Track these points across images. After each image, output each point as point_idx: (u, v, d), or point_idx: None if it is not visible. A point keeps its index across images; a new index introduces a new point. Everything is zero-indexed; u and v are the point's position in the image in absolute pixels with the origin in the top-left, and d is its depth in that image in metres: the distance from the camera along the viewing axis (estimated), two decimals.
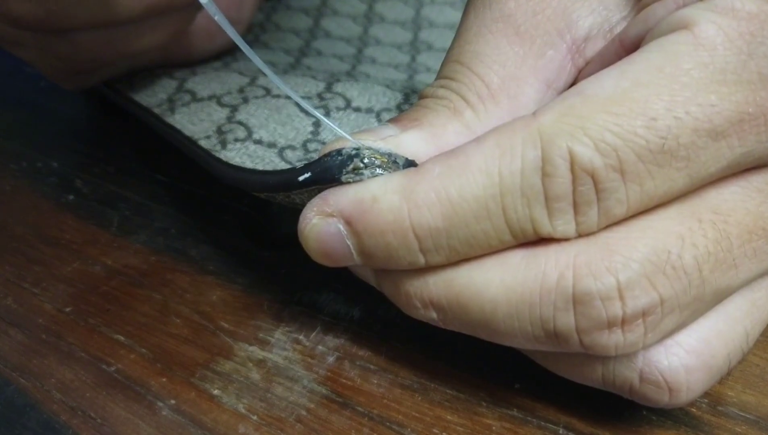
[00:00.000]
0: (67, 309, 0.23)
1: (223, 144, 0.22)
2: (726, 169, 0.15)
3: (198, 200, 0.28)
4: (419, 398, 0.20)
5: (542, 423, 0.19)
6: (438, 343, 0.21)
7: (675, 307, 0.15)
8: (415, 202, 0.16)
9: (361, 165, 0.17)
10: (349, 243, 0.17)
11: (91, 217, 0.27)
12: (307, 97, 0.25)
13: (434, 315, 0.18)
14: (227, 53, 0.33)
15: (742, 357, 0.17)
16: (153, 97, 0.27)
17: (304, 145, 0.22)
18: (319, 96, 0.25)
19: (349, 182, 0.17)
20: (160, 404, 0.20)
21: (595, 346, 0.16)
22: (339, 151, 0.17)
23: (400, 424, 0.19)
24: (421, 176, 0.16)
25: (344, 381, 0.20)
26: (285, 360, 0.21)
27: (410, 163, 0.17)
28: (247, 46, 0.18)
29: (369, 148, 0.17)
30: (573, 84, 0.19)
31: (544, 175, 0.15)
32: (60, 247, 0.26)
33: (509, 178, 0.15)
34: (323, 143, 0.21)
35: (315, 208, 0.17)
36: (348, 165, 0.17)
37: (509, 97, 0.18)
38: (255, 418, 0.19)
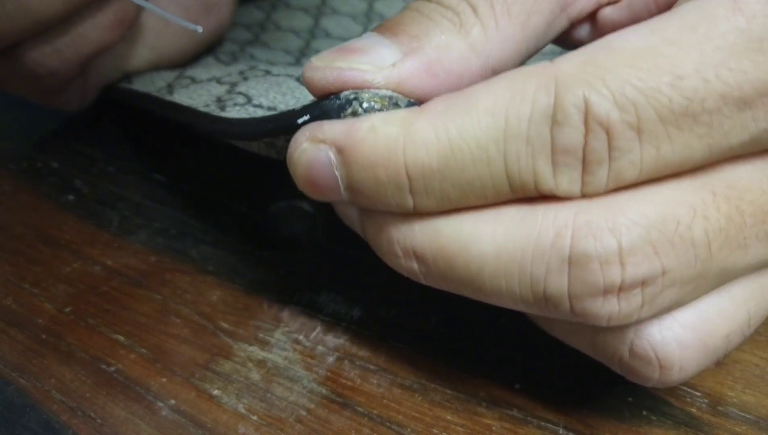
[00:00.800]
0: (67, 309, 0.23)
1: (222, 108, 0.22)
2: (747, 144, 0.15)
3: (198, 200, 0.28)
4: (419, 398, 0.20)
5: (542, 423, 0.19)
6: (438, 343, 0.21)
7: (677, 280, 0.15)
8: (412, 137, 0.15)
9: (360, 109, 0.16)
10: (337, 174, 0.16)
11: (90, 217, 0.27)
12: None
13: (415, 266, 0.17)
14: (226, 54, 0.33)
15: (742, 340, 0.16)
16: (152, 85, 0.27)
17: None
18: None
19: None
20: (160, 404, 0.20)
21: (586, 314, 0.15)
22: (337, 96, 0.17)
23: (399, 425, 0.19)
24: (422, 112, 0.15)
25: (344, 381, 0.20)
26: (285, 360, 0.21)
27: (412, 105, 0.16)
28: None
29: (368, 92, 0.16)
30: (587, 18, 0.18)
31: (554, 123, 0.14)
32: (60, 247, 0.26)
33: (515, 124, 0.14)
34: None
35: (307, 133, 0.16)
36: (346, 109, 0.16)
37: (524, 12, 0.17)
38: (255, 418, 0.19)
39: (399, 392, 0.20)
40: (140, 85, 0.28)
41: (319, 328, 0.22)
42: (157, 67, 0.30)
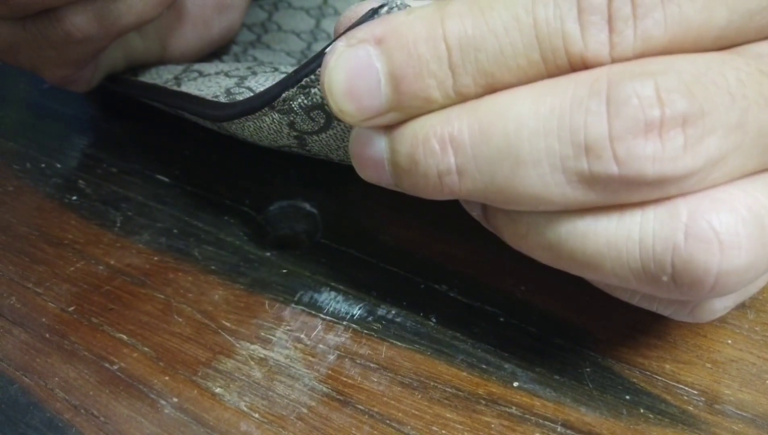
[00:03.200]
0: (71, 308, 0.23)
1: (234, 98, 0.22)
2: (766, 20, 0.15)
3: (200, 201, 0.28)
4: (419, 396, 0.20)
5: (540, 421, 0.19)
6: (437, 341, 0.22)
7: (717, 126, 0.14)
8: (447, 10, 0.15)
9: (395, 5, 0.17)
10: (378, 66, 0.16)
11: (94, 218, 0.27)
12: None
13: (452, 160, 0.16)
14: (229, 55, 0.33)
15: None
16: (158, 78, 0.27)
17: None
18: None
19: None
20: (163, 402, 0.20)
21: (630, 158, 0.14)
22: (372, 10, 0.17)
23: (399, 422, 0.19)
24: None
25: (345, 379, 0.21)
26: (286, 359, 0.21)
27: None
28: None
29: (401, 1, 0.17)
30: None
31: None
32: (63, 247, 0.26)
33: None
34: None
35: (344, 39, 0.16)
36: (380, 11, 0.17)
37: None
38: (256, 416, 0.20)
39: (399, 390, 0.20)
40: (146, 77, 0.28)
41: (319, 327, 0.22)
42: (164, 61, 0.30)
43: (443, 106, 0.16)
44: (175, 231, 0.27)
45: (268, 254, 0.25)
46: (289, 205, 0.28)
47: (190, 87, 0.25)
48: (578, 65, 0.15)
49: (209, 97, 0.23)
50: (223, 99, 0.23)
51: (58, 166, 0.31)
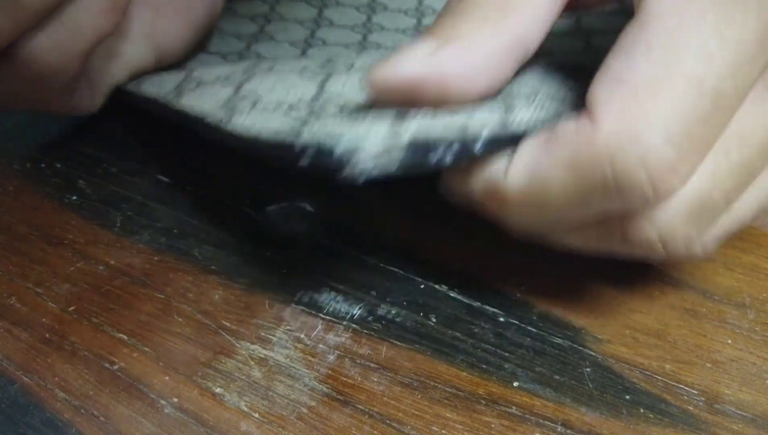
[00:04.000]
0: (71, 308, 0.23)
1: (232, 110, 0.22)
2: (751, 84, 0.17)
3: (200, 201, 0.28)
4: (419, 396, 0.20)
5: (540, 421, 0.19)
6: (437, 341, 0.22)
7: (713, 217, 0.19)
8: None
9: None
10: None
11: (94, 218, 0.27)
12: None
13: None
14: (233, 54, 0.33)
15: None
16: (161, 89, 0.27)
17: (310, 102, 0.23)
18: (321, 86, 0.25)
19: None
20: (163, 402, 0.20)
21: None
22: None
23: (399, 422, 0.19)
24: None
25: (345, 379, 0.21)
26: (286, 358, 0.21)
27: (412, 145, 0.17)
28: None
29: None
30: None
31: (625, 185, 0.16)
32: (63, 247, 0.26)
33: (594, 202, 0.17)
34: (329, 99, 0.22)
35: None
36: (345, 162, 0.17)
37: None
38: (256, 415, 0.20)
39: (399, 390, 0.20)
40: (149, 86, 0.28)
41: (319, 327, 0.22)
42: (160, 61, 0.30)
43: None
44: (175, 231, 0.27)
45: (268, 254, 0.25)
46: (289, 205, 0.28)
47: (189, 98, 0.25)
48: None
49: (208, 116, 0.23)
50: (221, 113, 0.23)
51: (58, 166, 0.31)
